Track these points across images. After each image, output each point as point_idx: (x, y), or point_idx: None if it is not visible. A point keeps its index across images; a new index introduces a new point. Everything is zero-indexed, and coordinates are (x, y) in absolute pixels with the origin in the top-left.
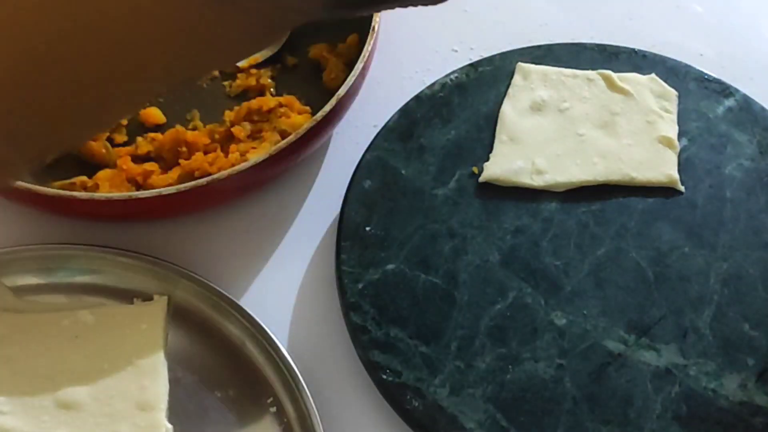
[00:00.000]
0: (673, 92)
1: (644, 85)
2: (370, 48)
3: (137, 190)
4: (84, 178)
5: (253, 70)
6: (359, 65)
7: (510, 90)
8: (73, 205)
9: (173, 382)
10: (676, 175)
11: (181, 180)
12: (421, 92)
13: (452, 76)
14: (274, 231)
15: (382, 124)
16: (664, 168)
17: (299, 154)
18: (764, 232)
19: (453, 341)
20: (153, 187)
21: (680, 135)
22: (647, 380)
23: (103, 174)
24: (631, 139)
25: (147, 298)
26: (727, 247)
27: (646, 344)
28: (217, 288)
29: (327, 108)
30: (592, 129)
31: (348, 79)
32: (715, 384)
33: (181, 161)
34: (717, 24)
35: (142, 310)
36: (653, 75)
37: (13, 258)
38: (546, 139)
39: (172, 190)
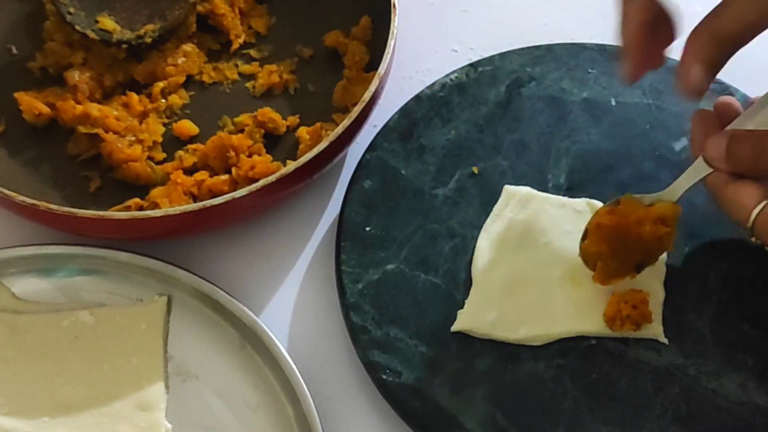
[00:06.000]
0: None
1: None
2: (395, 26)
3: (194, 202)
4: (137, 199)
5: (273, 67)
6: (390, 42)
7: (490, 218)
8: (147, 225)
9: (173, 382)
10: (659, 327)
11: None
12: (421, 92)
13: (452, 76)
14: (274, 231)
15: (382, 124)
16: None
17: (320, 169)
18: None
19: (453, 341)
20: (215, 193)
21: (681, 135)
22: (647, 380)
23: (157, 192)
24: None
25: (147, 298)
26: (727, 247)
27: (646, 344)
28: (218, 288)
29: (357, 108)
30: (569, 271)
31: (384, 57)
32: (715, 384)
33: (233, 169)
34: None
35: (142, 310)
36: None
37: (13, 258)
38: (521, 283)
39: (215, 202)
